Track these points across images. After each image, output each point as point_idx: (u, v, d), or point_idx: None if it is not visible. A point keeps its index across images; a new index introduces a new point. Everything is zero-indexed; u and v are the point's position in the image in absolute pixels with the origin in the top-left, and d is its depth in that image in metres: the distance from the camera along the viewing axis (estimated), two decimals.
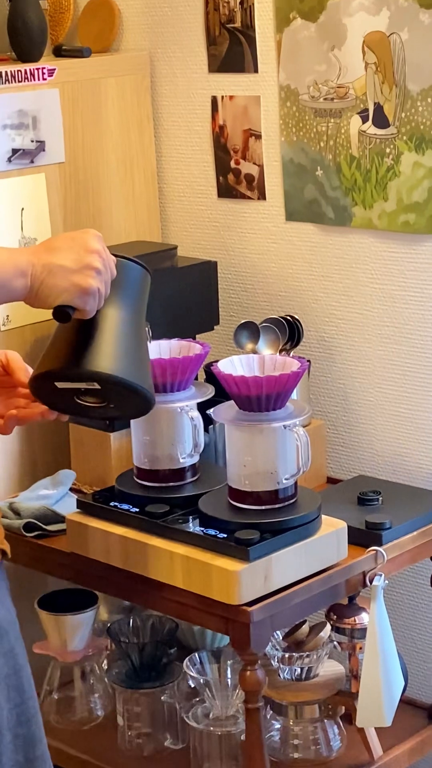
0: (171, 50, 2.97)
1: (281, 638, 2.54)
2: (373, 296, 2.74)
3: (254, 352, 2.64)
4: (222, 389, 2.25)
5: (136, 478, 2.40)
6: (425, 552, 2.51)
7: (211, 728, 2.55)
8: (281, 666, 2.52)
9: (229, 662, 2.57)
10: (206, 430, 2.44)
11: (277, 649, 2.52)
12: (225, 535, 2.20)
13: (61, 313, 1.70)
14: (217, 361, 2.25)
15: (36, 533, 2.53)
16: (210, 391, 2.36)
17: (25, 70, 2.74)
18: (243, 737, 2.34)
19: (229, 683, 2.56)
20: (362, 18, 2.60)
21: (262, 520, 2.20)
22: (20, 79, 2.73)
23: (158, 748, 2.65)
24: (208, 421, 2.39)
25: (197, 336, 2.78)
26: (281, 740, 2.54)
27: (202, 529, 2.24)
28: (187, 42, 2.93)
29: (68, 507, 2.51)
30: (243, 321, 2.72)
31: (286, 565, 2.20)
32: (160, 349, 2.35)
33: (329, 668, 2.56)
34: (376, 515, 2.45)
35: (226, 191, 2.95)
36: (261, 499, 2.22)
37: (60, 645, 2.71)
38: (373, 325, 2.75)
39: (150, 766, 2.62)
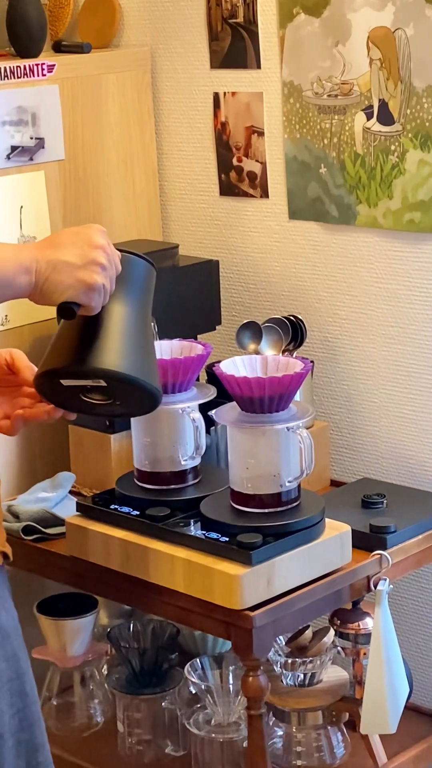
0: (172, 46, 2.96)
1: (284, 643, 2.53)
2: (377, 296, 2.73)
3: (257, 352, 2.64)
4: (224, 390, 2.25)
5: (136, 481, 2.39)
6: (431, 556, 2.51)
7: (213, 735, 2.55)
8: (284, 672, 2.52)
9: (230, 668, 2.57)
10: (208, 431, 2.43)
11: (279, 655, 2.51)
12: (227, 539, 2.19)
13: (66, 309, 1.68)
14: (219, 362, 2.25)
15: (35, 536, 2.52)
16: (212, 392, 2.36)
17: (25, 66, 2.73)
18: (245, 744, 2.35)
19: (231, 689, 2.56)
20: (367, 13, 2.58)
21: (265, 524, 2.20)
22: (19, 75, 2.73)
23: (159, 755, 2.65)
24: (209, 423, 2.39)
25: (199, 336, 2.77)
26: (284, 747, 2.54)
27: (204, 532, 2.23)
28: (189, 37, 2.91)
29: (68, 510, 2.50)
30: (245, 321, 2.71)
31: (289, 569, 2.20)
32: (161, 349, 2.35)
33: (333, 674, 2.56)
34: (380, 518, 2.45)
35: (228, 189, 2.94)
36: (264, 502, 2.22)
37: (59, 650, 2.70)
38: (378, 326, 2.74)
39: None
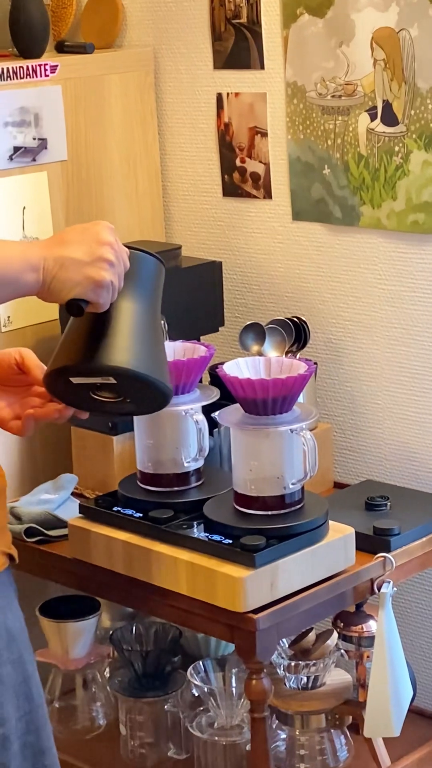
0: (175, 46, 2.95)
1: (287, 646, 2.53)
2: (381, 297, 2.72)
3: (260, 354, 2.64)
4: (227, 392, 2.24)
5: (139, 483, 2.39)
6: None
7: (216, 738, 2.54)
8: (287, 675, 2.52)
9: (234, 671, 2.57)
10: (211, 433, 2.43)
11: (283, 658, 2.51)
12: (230, 541, 2.19)
13: (75, 306, 1.68)
14: (222, 364, 2.24)
15: (37, 538, 2.52)
16: (215, 394, 2.35)
17: (27, 67, 2.73)
18: (248, 747, 2.35)
19: (234, 692, 2.56)
20: (371, 14, 2.58)
21: (268, 526, 2.19)
22: (22, 76, 2.72)
23: (161, 758, 2.65)
24: (213, 425, 2.39)
25: (202, 337, 2.77)
26: (287, 750, 2.53)
27: (207, 534, 2.23)
28: (192, 38, 2.91)
29: (70, 512, 2.50)
30: (248, 322, 2.71)
31: (292, 571, 2.19)
32: None
33: (336, 677, 2.56)
34: (384, 521, 2.44)
35: (231, 190, 2.93)
36: (267, 504, 2.21)
37: (61, 652, 2.70)
38: (382, 327, 2.73)
39: None
